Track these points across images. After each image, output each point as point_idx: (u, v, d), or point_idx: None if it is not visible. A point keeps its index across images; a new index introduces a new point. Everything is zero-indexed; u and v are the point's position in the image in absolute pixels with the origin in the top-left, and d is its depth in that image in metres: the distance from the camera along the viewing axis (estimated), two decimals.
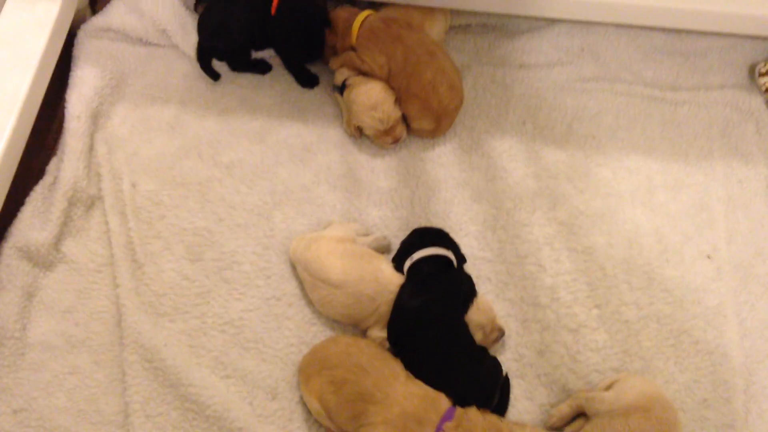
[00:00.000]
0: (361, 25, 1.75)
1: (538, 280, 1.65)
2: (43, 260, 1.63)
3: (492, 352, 1.55)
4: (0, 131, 1.60)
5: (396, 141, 1.76)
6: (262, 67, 1.88)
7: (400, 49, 1.72)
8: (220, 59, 1.87)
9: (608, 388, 1.47)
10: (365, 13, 1.77)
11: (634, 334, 1.60)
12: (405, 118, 1.77)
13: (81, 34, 1.89)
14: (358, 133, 1.78)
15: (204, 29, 1.83)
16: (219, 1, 1.82)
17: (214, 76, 1.86)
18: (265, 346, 1.59)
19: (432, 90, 1.71)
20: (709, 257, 1.68)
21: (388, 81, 1.75)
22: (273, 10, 1.72)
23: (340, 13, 1.79)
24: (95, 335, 1.59)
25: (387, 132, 1.75)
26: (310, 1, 1.76)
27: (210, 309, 1.62)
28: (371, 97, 1.72)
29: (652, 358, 1.58)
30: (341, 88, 1.78)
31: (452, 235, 1.63)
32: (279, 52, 1.85)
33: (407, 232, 1.64)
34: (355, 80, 1.76)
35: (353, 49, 1.77)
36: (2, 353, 1.55)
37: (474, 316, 1.52)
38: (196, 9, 1.95)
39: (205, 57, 1.85)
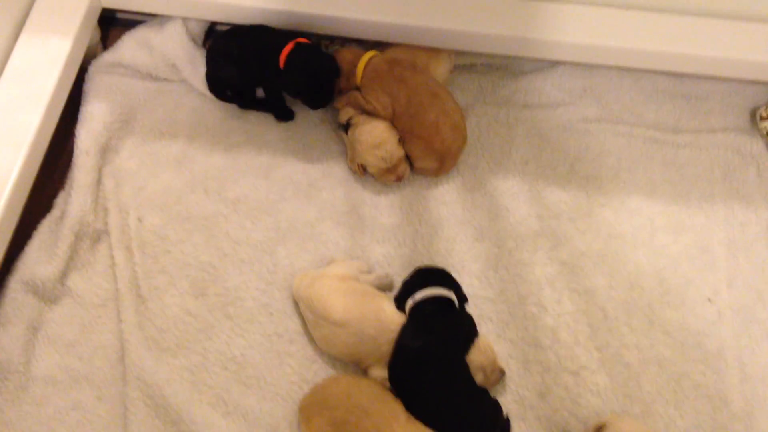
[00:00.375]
0: (365, 66, 1.78)
1: (540, 320, 1.66)
2: (49, 294, 1.65)
3: (492, 393, 1.55)
4: (10, 168, 1.62)
5: (399, 179, 1.78)
6: (267, 106, 1.90)
7: (404, 90, 1.74)
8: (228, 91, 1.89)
9: (598, 430, 1.47)
10: (369, 54, 1.80)
11: (635, 377, 1.60)
12: (408, 158, 1.79)
13: (92, 70, 1.92)
14: (361, 170, 1.80)
15: (213, 62, 1.85)
16: (225, 36, 1.85)
17: (233, 101, 1.88)
18: (267, 384, 1.59)
19: (435, 131, 1.73)
20: (710, 300, 1.69)
21: (392, 121, 1.77)
22: (282, 64, 1.75)
23: (345, 55, 1.81)
24: (98, 370, 1.60)
25: (390, 170, 1.77)
26: (319, 51, 1.78)
27: (212, 345, 1.63)
28: (375, 136, 1.74)
29: (652, 402, 1.58)
30: (345, 127, 1.80)
31: (454, 273, 1.64)
32: (263, 86, 1.86)
33: (410, 270, 1.65)
34: (359, 119, 1.78)
35: (358, 89, 1.79)
36: (6, 387, 1.56)
37: (475, 357, 1.53)
38: (204, 45, 1.98)
39: (217, 88, 1.87)
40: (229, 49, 1.82)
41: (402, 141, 1.76)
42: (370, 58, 1.79)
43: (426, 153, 1.76)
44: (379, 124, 1.76)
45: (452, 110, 1.76)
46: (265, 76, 1.81)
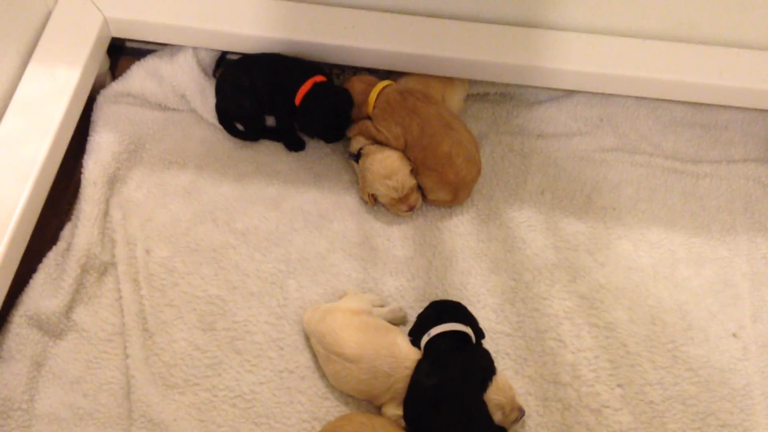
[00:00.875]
0: (377, 97, 1.75)
1: (559, 356, 1.61)
2: (54, 329, 1.61)
3: None
4: (16, 198, 1.58)
5: (411, 209, 1.74)
6: (278, 135, 1.87)
7: (416, 121, 1.71)
8: (237, 122, 1.87)
9: None
10: (382, 84, 1.77)
11: (659, 415, 1.55)
12: (421, 189, 1.76)
13: (100, 99, 1.90)
14: (372, 200, 1.76)
15: (222, 92, 1.84)
16: (236, 65, 1.84)
17: (242, 135, 1.86)
18: (277, 422, 1.54)
19: (448, 162, 1.70)
20: (734, 335, 1.64)
21: (404, 152, 1.74)
22: (297, 102, 1.74)
23: (356, 85, 1.79)
24: (103, 407, 1.55)
25: (401, 200, 1.73)
26: (336, 91, 1.78)
27: (221, 381, 1.58)
28: (386, 166, 1.71)
29: None
30: (357, 156, 1.77)
31: (469, 307, 1.60)
32: (275, 115, 1.85)
33: (424, 303, 1.61)
34: (370, 149, 1.75)
35: (369, 118, 1.76)
36: (8, 425, 1.51)
37: (493, 395, 1.48)
38: (214, 75, 1.96)
39: (226, 119, 1.85)
40: (239, 80, 1.81)
41: (414, 172, 1.73)
42: (383, 88, 1.76)
43: (439, 185, 1.72)
44: (391, 154, 1.73)
45: (466, 141, 1.73)
46: (277, 107, 1.80)
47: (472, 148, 1.74)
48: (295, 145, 1.86)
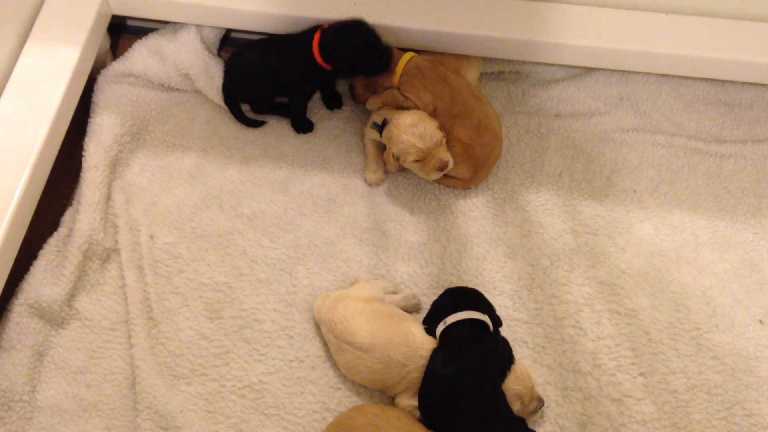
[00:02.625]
0: (405, 65, 1.69)
1: (579, 344, 1.56)
2: (55, 317, 1.56)
3: (530, 423, 1.46)
4: (14, 183, 1.53)
5: (443, 166, 1.63)
6: (285, 111, 1.82)
7: (447, 89, 1.66)
8: (243, 102, 1.82)
9: None
10: (409, 54, 1.71)
11: (683, 405, 1.50)
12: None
13: (101, 80, 1.84)
14: (395, 162, 1.66)
15: (231, 74, 1.79)
16: (249, 48, 1.79)
17: (248, 122, 1.82)
18: (287, 413, 1.50)
19: (477, 135, 1.65)
20: (761, 322, 1.59)
21: None
22: (318, 56, 1.67)
23: None
24: (107, 398, 1.51)
25: (428, 159, 1.63)
26: (348, 21, 1.68)
27: (229, 371, 1.54)
28: (413, 117, 1.63)
29: None
30: (381, 126, 1.69)
31: (485, 293, 1.54)
32: (290, 94, 1.79)
33: (438, 290, 1.56)
34: (396, 113, 1.68)
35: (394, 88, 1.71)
36: (10, 417, 1.47)
37: (511, 384, 1.43)
38: (219, 54, 1.90)
39: (232, 100, 1.80)
40: (252, 63, 1.76)
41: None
42: (411, 57, 1.70)
43: (463, 158, 1.66)
44: (418, 111, 1.66)
45: (493, 118, 1.69)
46: (294, 84, 1.75)
47: (498, 126, 1.70)
48: (303, 126, 1.81)
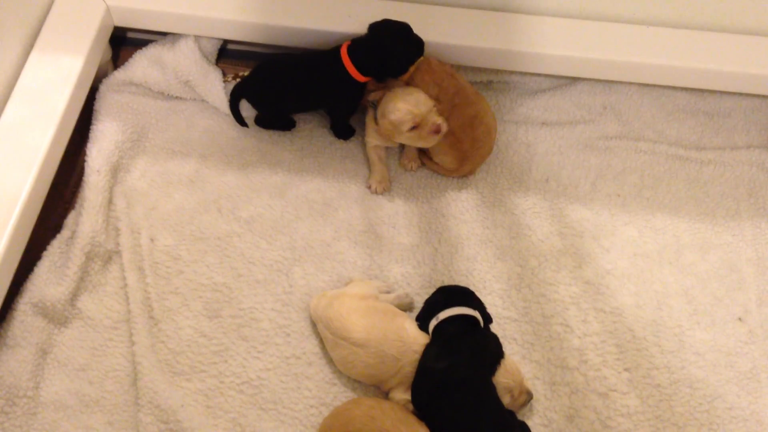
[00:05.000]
0: (416, 64, 1.74)
1: (566, 341, 1.61)
2: (59, 316, 1.60)
3: (520, 416, 1.51)
4: (20, 187, 1.58)
5: (437, 130, 1.66)
6: (287, 124, 1.87)
7: (453, 83, 1.73)
8: (260, 109, 1.85)
9: None
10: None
11: (667, 399, 1.55)
12: (428, 152, 1.76)
13: (103, 88, 1.89)
14: (392, 131, 1.68)
15: (256, 89, 1.81)
16: (278, 63, 1.80)
17: (242, 122, 1.85)
18: (284, 408, 1.54)
19: (470, 127, 1.72)
20: (740, 320, 1.64)
21: None
22: (349, 66, 1.70)
23: None
24: (109, 395, 1.54)
25: (422, 124, 1.66)
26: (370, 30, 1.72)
27: (228, 368, 1.58)
28: (404, 88, 1.70)
29: (685, 425, 1.52)
30: (375, 103, 1.74)
31: (476, 293, 1.59)
32: (332, 106, 1.82)
33: (430, 290, 1.61)
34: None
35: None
36: (14, 412, 1.50)
37: (501, 378, 1.48)
38: (216, 65, 1.95)
39: (235, 100, 1.83)
40: (282, 82, 1.78)
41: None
42: (422, 59, 1.74)
43: (450, 148, 1.73)
44: (412, 87, 1.71)
45: (489, 113, 1.76)
46: (330, 97, 1.78)
47: (493, 123, 1.77)
48: (344, 133, 1.85)
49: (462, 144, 1.72)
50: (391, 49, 1.67)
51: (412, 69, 1.74)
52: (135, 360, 1.56)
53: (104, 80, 1.91)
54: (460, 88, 1.73)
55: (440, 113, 1.70)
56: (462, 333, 1.48)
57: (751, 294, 1.67)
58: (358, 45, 1.70)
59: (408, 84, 1.75)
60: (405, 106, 1.66)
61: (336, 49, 1.72)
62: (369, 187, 1.79)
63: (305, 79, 1.76)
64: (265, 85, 1.79)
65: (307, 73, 1.76)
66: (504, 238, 1.73)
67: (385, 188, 1.79)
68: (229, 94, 1.84)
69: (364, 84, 1.75)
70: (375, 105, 1.75)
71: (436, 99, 1.71)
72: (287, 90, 1.77)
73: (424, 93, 1.69)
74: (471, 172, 1.79)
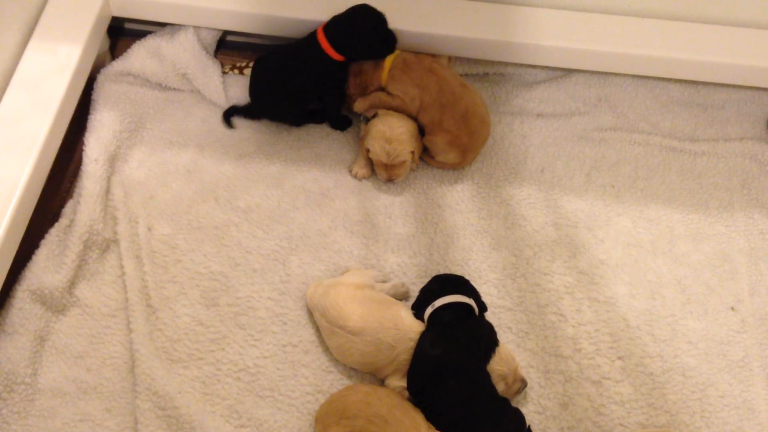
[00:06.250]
0: (393, 61, 1.76)
1: (560, 330, 1.63)
2: (57, 304, 1.61)
3: (514, 403, 1.52)
4: (18, 176, 1.59)
5: (389, 180, 1.77)
6: (320, 116, 1.89)
7: (434, 80, 1.74)
8: (276, 119, 1.88)
9: None
10: (396, 51, 1.77)
11: (659, 387, 1.57)
12: (429, 151, 1.78)
13: (100, 78, 1.90)
14: (366, 154, 1.77)
15: (259, 86, 1.82)
16: (268, 62, 1.81)
17: (230, 125, 1.88)
18: (281, 395, 1.55)
19: (464, 122, 1.73)
20: (733, 309, 1.66)
21: (419, 115, 1.75)
22: (325, 46, 1.71)
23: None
24: (107, 381, 1.55)
25: (387, 167, 1.74)
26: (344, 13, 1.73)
27: (225, 355, 1.59)
28: (393, 131, 1.72)
29: (678, 413, 1.54)
30: (368, 119, 1.79)
31: (471, 282, 1.61)
32: (325, 97, 1.84)
33: (426, 280, 1.62)
34: (386, 112, 1.76)
35: (381, 89, 1.77)
36: (12, 399, 1.51)
37: (496, 366, 1.49)
38: (216, 56, 1.96)
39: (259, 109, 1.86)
40: (281, 78, 1.79)
41: (428, 133, 1.75)
42: (398, 54, 1.77)
43: (450, 146, 1.75)
44: (404, 124, 1.74)
45: (480, 103, 1.77)
46: (325, 86, 1.80)
47: (485, 110, 1.78)
48: (340, 123, 1.86)
49: (460, 140, 1.74)
50: (363, 29, 1.69)
51: (386, 68, 1.75)
52: (133, 347, 1.57)
53: (102, 70, 1.91)
54: (442, 84, 1.73)
55: (430, 122, 1.73)
56: (457, 320, 1.50)
57: (744, 284, 1.69)
58: (333, 23, 1.72)
59: (386, 88, 1.76)
60: (379, 149, 1.72)
61: (314, 31, 1.74)
62: (350, 171, 1.81)
63: (291, 67, 1.77)
64: (263, 87, 1.81)
65: (292, 59, 1.77)
66: (499, 229, 1.75)
67: (366, 174, 1.80)
68: (226, 87, 1.87)
69: (343, 64, 1.75)
70: (367, 120, 1.78)
71: (420, 104, 1.73)
72: (282, 84, 1.79)
73: (409, 141, 1.72)
74: (473, 161, 1.81)
